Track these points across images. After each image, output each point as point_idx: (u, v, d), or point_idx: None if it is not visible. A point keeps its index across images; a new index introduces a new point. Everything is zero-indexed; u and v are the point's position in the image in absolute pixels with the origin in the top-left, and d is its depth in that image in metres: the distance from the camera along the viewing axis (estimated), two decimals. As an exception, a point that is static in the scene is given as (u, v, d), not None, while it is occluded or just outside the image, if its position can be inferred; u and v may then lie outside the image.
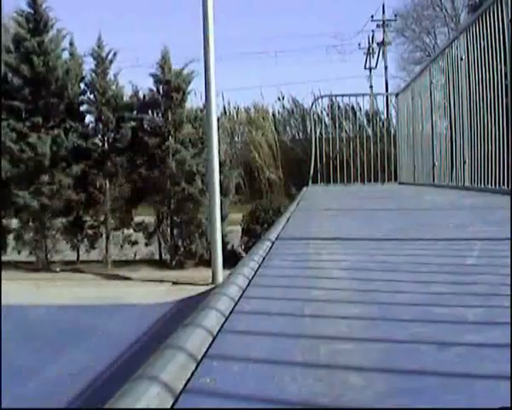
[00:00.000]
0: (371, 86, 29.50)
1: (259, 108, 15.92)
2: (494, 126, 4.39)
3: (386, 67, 26.48)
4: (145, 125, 8.65)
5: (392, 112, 9.63)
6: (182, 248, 8.62)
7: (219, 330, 1.15)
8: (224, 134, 11.01)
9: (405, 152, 8.63)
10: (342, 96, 10.70)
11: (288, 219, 3.49)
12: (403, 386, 0.86)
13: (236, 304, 1.36)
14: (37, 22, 8.72)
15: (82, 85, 9.00)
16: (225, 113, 16.29)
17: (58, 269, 8.45)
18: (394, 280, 1.62)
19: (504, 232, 2.26)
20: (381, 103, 23.57)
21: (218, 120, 7.67)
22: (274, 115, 16.00)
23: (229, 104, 17.34)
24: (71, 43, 9.08)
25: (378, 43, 30.24)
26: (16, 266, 8.39)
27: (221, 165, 7.72)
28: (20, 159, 8.26)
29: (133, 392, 0.81)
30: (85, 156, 8.62)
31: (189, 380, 0.90)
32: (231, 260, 6.23)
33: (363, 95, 10.52)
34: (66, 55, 9.03)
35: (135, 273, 8.01)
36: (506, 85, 4.15)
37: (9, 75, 8.71)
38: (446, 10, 27.08)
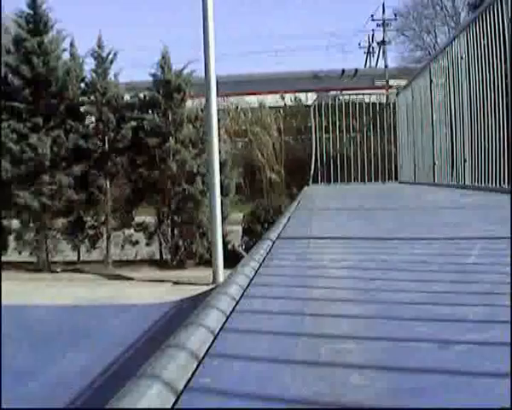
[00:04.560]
0: (372, 85, 29.44)
1: (263, 107, 15.92)
2: (494, 125, 4.39)
3: (386, 66, 26.44)
4: (145, 126, 8.65)
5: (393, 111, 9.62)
6: (182, 248, 8.62)
7: (220, 330, 1.15)
8: (226, 134, 11.01)
9: (406, 151, 8.63)
10: (343, 95, 10.69)
11: (288, 219, 3.49)
12: (404, 385, 0.86)
13: (237, 303, 1.37)
14: (36, 23, 8.72)
15: (82, 86, 9.00)
16: (224, 112, 16.28)
17: (59, 269, 8.46)
18: (395, 279, 1.62)
19: (504, 231, 2.25)
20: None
21: (219, 120, 7.67)
22: (277, 114, 15.99)
23: (231, 104, 17.35)
24: (71, 44, 9.08)
25: (378, 43, 30.24)
26: (17, 266, 8.39)
27: (222, 165, 7.72)
28: (21, 159, 8.27)
29: (134, 391, 0.82)
30: (86, 156, 8.62)
31: (190, 379, 0.90)
32: (232, 259, 6.23)
33: (364, 94, 10.52)
34: (66, 55, 9.03)
35: (136, 273, 8.02)
36: (506, 84, 4.15)
37: (10, 76, 8.72)
38: (446, 9, 27.06)
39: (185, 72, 8.90)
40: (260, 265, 1.88)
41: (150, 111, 8.80)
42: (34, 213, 8.39)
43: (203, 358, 0.99)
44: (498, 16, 4.20)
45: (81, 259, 8.91)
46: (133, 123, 8.69)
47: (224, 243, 7.48)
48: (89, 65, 8.99)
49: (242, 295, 1.44)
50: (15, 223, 8.71)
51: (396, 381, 0.88)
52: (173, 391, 0.84)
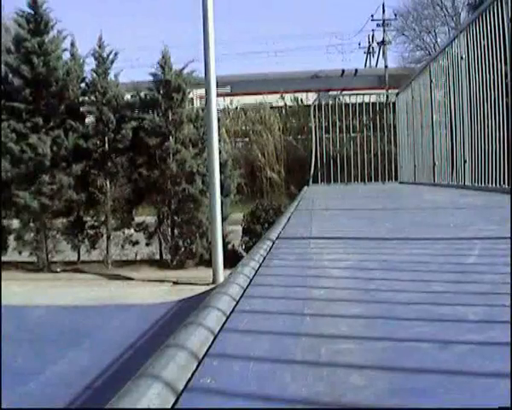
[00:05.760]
0: (372, 85, 29.42)
1: (265, 107, 15.94)
2: (494, 125, 4.39)
3: (386, 67, 26.45)
4: (145, 125, 8.65)
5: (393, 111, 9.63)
6: (182, 248, 8.62)
7: (220, 330, 1.15)
8: (227, 134, 11.01)
9: (406, 151, 8.63)
10: (343, 95, 10.71)
11: (288, 219, 3.49)
12: (403, 385, 0.86)
13: (237, 303, 1.37)
14: (37, 23, 8.71)
15: (82, 85, 8.99)
16: (224, 112, 16.29)
17: (59, 269, 8.45)
18: (395, 279, 1.62)
19: (504, 231, 2.26)
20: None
21: (219, 120, 7.66)
22: (278, 114, 16.03)
23: (230, 104, 17.37)
24: (72, 44, 9.08)
25: (378, 43, 30.25)
26: (17, 266, 8.39)
27: (222, 165, 7.71)
28: (21, 159, 8.26)
29: (134, 392, 0.82)
30: (86, 156, 8.62)
31: (190, 379, 0.90)
32: (232, 259, 6.23)
33: (364, 94, 10.52)
34: (66, 55, 9.03)
35: (136, 273, 8.02)
36: (506, 84, 4.15)
37: (10, 76, 8.71)
38: (446, 9, 27.09)
39: (185, 72, 8.90)
40: (260, 265, 1.88)
41: (150, 111, 8.79)
42: (34, 213, 8.39)
43: (203, 358, 0.99)
44: (498, 16, 4.20)
45: (81, 259, 8.90)
46: (133, 123, 8.68)
47: (224, 243, 7.48)
48: (89, 65, 8.99)
49: (242, 295, 1.44)
50: (15, 223, 8.71)
51: (396, 381, 0.88)
52: (173, 391, 0.84)
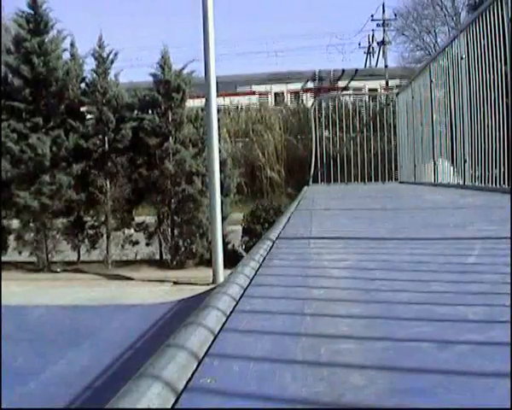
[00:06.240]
0: (372, 85, 29.42)
1: (266, 107, 15.96)
2: (494, 125, 4.39)
3: (386, 66, 26.45)
4: (145, 126, 8.65)
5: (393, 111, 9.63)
6: (182, 248, 8.62)
7: (220, 329, 1.15)
8: (227, 134, 11.01)
9: (406, 151, 8.63)
10: (343, 95, 10.72)
11: (288, 219, 3.49)
12: (403, 385, 0.86)
13: (237, 303, 1.37)
14: (37, 23, 8.71)
15: (82, 85, 8.99)
16: (225, 112, 16.30)
17: (59, 269, 8.45)
18: (395, 279, 1.62)
19: (504, 231, 2.26)
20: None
21: (219, 120, 7.66)
22: (278, 114, 16.05)
23: (230, 103, 17.39)
24: (71, 44, 9.08)
25: (378, 43, 30.26)
26: (17, 266, 8.39)
27: (222, 164, 7.71)
28: (21, 159, 8.26)
29: (134, 392, 0.82)
30: (86, 156, 8.62)
31: (190, 379, 0.90)
32: (232, 259, 6.23)
33: (364, 94, 10.52)
34: (66, 55, 9.03)
35: (136, 273, 8.01)
36: (506, 84, 4.15)
37: (10, 76, 8.71)
38: (446, 9, 27.09)
39: (185, 72, 8.90)
40: (260, 265, 1.88)
41: (150, 111, 8.79)
42: (34, 213, 8.39)
43: (203, 358, 0.99)
44: (498, 16, 4.20)
45: (81, 259, 8.90)
46: (133, 123, 8.68)
47: (224, 243, 7.48)
48: (89, 65, 8.99)
49: (242, 295, 1.44)
50: (15, 223, 8.70)
51: (396, 381, 0.88)
52: (173, 391, 0.84)
